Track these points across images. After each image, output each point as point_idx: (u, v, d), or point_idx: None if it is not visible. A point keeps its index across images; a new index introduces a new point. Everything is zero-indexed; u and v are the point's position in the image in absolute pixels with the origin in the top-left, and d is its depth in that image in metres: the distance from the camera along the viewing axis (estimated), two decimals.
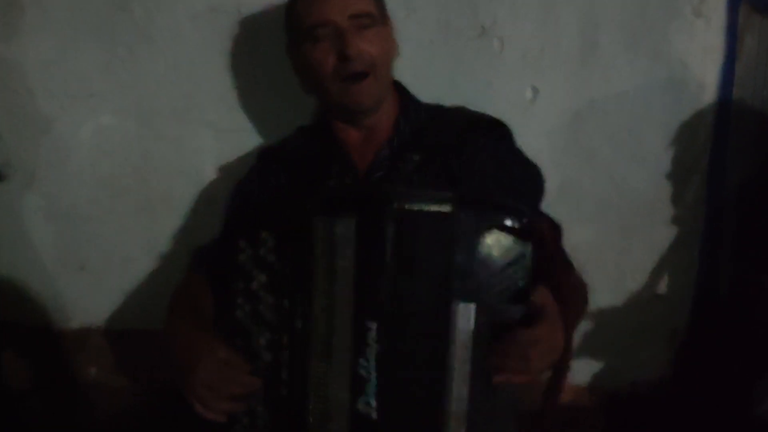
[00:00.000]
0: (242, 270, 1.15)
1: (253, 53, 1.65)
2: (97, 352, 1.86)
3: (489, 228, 1.07)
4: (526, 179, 1.38)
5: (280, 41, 1.60)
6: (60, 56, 1.67)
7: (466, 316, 1.06)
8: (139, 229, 1.76)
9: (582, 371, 1.76)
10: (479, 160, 1.32)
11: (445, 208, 1.06)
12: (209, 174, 1.73)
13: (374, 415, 1.07)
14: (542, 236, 1.12)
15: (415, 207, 1.06)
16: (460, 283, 1.06)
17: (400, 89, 1.46)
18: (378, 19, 1.35)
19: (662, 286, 1.71)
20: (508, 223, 1.07)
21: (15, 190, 1.75)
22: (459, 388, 1.08)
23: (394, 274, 1.06)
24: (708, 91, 1.59)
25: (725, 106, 1.61)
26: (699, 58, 1.58)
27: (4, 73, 1.68)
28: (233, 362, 1.13)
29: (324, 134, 1.43)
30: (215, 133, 1.71)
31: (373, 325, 1.06)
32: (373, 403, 1.07)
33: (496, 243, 1.06)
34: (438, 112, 1.45)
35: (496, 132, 1.40)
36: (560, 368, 1.13)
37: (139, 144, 1.72)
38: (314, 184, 1.36)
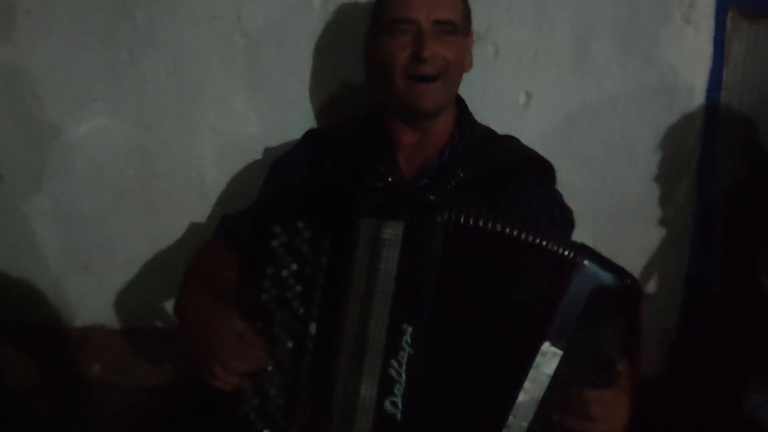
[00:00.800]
0: (274, 255, 1.13)
1: (253, 59, 1.66)
2: (101, 350, 1.86)
3: (599, 283, 1.05)
4: (563, 224, 1.38)
5: (279, 47, 1.65)
6: (64, 61, 1.69)
7: (551, 359, 1.06)
8: (142, 230, 1.77)
9: None
10: (524, 197, 1.33)
11: (569, 254, 1.05)
12: (210, 176, 1.74)
13: (399, 416, 1.07)
14: (639, 304, 1.09)
15: (496, 227, 1.05)
16: (551, 325, 1.05)
17: (460, 104, 1.47)
18: (461, 29, 1.36)
19: (653, 286, 1.72)
20: (615, 282, 1.06)
21: (21, 192, 1.77)
22: (518, 423, 1.07)
23: (441, 284, 1.06)
24: (697, 96, 1.61)
25: (714, 109, 1.62)
26: (688, 63, 1.59)
27: (9, 78, 1.70)
28: (247, 336, 1.11)
29: (377, 130, 1.42)
30: (216, 137, 1.72)
31: (408, 329, 1.06)
32: (400, 404, 1.07)
33: (596, 299, 1.05)
34: (491, 136, 1.46)
35: (543, 172, 1.41)
36: None
37: (142, 147, 1.73)
38: (358, 179, 1.35)
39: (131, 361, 1.87)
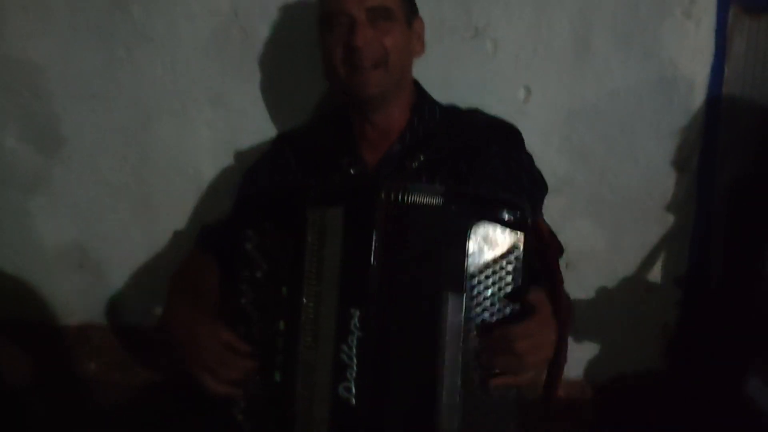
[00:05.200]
0: (248, 258, 1.15)
1: (250, 54, 1.66)
2: (96, 347, 1.87)
3: (480, 220, 1.08)
4: (532, 187, 1.38)
5: (275, 43, 1.65)
6: (60, 57, 1.69)
7: (456, 307, 1.07)
8: (137, 227, 1.78)
9: (573, 364, 1.76)
10: (490, 166, 1.34)
11: (436, 201, 1.08)
12: (206, 173, 1.74)
13: (354, 400, 1.08)
14: (538, 230, 1.12)
15: (405, 198, 1.08)
16: (450, 274, 1.07)
17: (418, 88, 1.47)
18: (398, 15, 1.35)
19: (653, 281, 1.72)
20: (501, 215, 1.08)
21: (17, 189, 1.77)
22: (450, 379, 1.08)
23: (379, 263, 1.08)
24: (698, 91, 1.60)
25: (715, 104, 1.61)
26: (689, 58, 1.58)
27: (5, 74, 1.70)
28: (234, 345, 1.14)
29: (339, 125, 1.44)
30: (212, 133, 1.72)
31: (356, 312, 1.07)
32: (354, 388, 1.08)
33: (487, 235, 1.08)
34: (453, 113, 1.46)
35: (508, 138, 1.42)
36: (554, 365, 1.13)
37: (139, 143, 1.73)
38: (322, 175, 1.37)
39: (127, 359, 1.87)
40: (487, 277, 1.09)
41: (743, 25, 1.59)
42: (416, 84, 1.48)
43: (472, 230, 1.08)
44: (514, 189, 1.33)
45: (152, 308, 1.79)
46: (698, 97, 1.61)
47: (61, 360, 1.87)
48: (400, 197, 1.08)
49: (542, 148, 1.56)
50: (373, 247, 1.08)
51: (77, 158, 1.74)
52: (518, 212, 1.09)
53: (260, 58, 1.66)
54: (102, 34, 1.67)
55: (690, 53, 1.59)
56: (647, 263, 1.71)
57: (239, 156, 1.71)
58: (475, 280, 1.08)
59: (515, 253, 1.08)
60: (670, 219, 1.68)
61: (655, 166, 1.65)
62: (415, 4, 1.44)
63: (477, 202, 1.10)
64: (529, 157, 1.44)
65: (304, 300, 1.11)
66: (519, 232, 1.09)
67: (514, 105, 1.63)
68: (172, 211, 1.76)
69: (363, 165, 1.38)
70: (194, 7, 1.64)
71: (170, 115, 1.71)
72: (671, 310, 1.75)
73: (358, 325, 1.08)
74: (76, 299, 1.84)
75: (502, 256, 1.08)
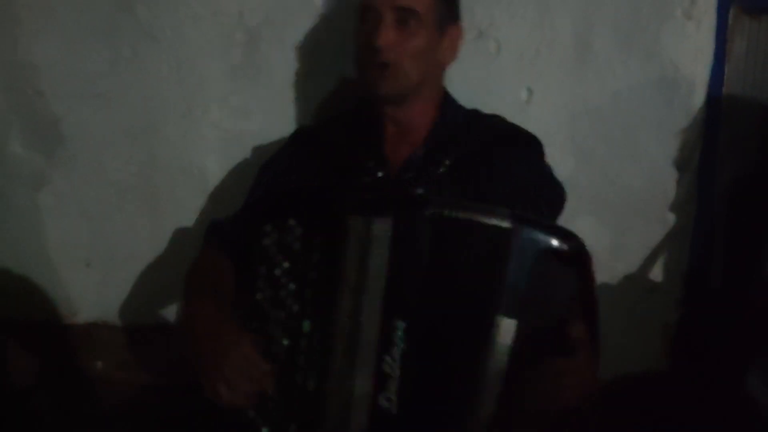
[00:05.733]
0: (266, 254, 1.13)
1: (255, 55, 1.67)
2: (103, 347, 1.87)
3: (543, 248, 1.05)
4: (552, 197, 1.38)
5: (280, 44, 1.65)
6: (66, 57, 1.69)
7: (507, 331, 1.05)
8: (144, 226, 1.78)
9: None
10: (510, 173, 1.33)
11: (505, 224, 1.06)
12: (213, 173, 1.74)
13: (395, 410, 1.08)
14: (588, 263, 1.09)
15: (462, 216, 1.07)
16: (505, 297, 1.05)
17: (444, 92, 1.47)
18: (427, 21, 1.33)
19: (655, 281, 1.72)
20: (561, 246, 1.06)
21: (23, 189, 1.77)
22: (489, 399, 1.07)
23: (428, 278, 1.07)
24: (698, 91, 1.60)
25: (715, 105, 1.62)
26: (690, 58, 1.59)
27: (11, 73, 1.70)
28: (255, 359, 1.11)
29: (362, 122, 1.42)
30: (218, 132, 1.72)
31: (401, 325, 1.07)
32: (395, 399, 1.08)
33: (546, 264, 1.05)
34: (475, 118, 1.45)
35: (529, 147, 1.41)
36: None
37: (144, 143, 1.73)
38: (346, 174, 1.36)
39: (133, 358, 1.87)
40: (540, 306, 1.06)
41: (743, 26, 1.61)
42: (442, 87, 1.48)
43: (533, 257, 1.05)
44: (532, 197, 1.32)
45: (159, 307, 1.80)
46: (699, 97, 1.62)
47: (68, 359, 1.88)
48: (454, 214, 1.07)
49: (545, 148, 1.55)
50: (423, 263, 1.07)
51: (82, 158, 1.75)
52: (577, 245, 1.07)
53: (265, 58, 1.67)
54: (107, 34, 1.67)
55: (691, 54, 1.60)
56: (649, 263, 1.71)
57: (245, 156, 1.72)
58: (527, 307, 1.06)
59: (570, 285, 1.07)
60: (672, 219, 1.68)
61: (656, 165, 1.65)
62: (455, 10, 1.42)
63: (543, 230, 1.08)
64: (549, 167, 1.43)
65: (342, 307, 1.10)
66: (573, 266, 1.07)
67: (517, 105, 1.64)
68: (178, 211, 1.76)
69: (387, 166, 1.36)
70: (199, 8, 1.65)
71: (176, 115, 1.71)
72: (672, 309, 1.75)
73: (402, 337, 1.07)
74: (83, 298, 1.85)
75: (557, 286, 1.07)
